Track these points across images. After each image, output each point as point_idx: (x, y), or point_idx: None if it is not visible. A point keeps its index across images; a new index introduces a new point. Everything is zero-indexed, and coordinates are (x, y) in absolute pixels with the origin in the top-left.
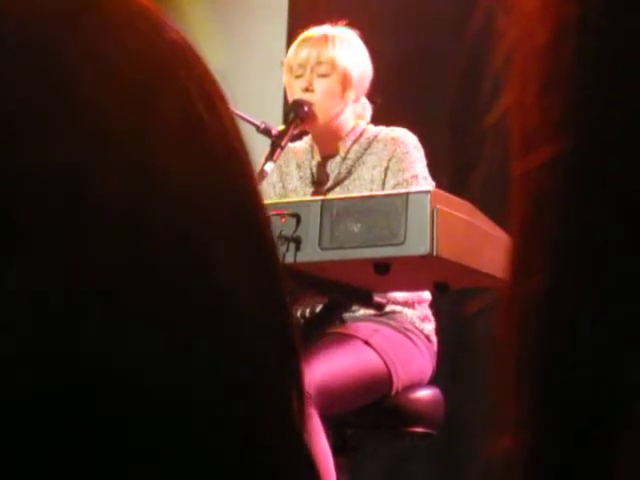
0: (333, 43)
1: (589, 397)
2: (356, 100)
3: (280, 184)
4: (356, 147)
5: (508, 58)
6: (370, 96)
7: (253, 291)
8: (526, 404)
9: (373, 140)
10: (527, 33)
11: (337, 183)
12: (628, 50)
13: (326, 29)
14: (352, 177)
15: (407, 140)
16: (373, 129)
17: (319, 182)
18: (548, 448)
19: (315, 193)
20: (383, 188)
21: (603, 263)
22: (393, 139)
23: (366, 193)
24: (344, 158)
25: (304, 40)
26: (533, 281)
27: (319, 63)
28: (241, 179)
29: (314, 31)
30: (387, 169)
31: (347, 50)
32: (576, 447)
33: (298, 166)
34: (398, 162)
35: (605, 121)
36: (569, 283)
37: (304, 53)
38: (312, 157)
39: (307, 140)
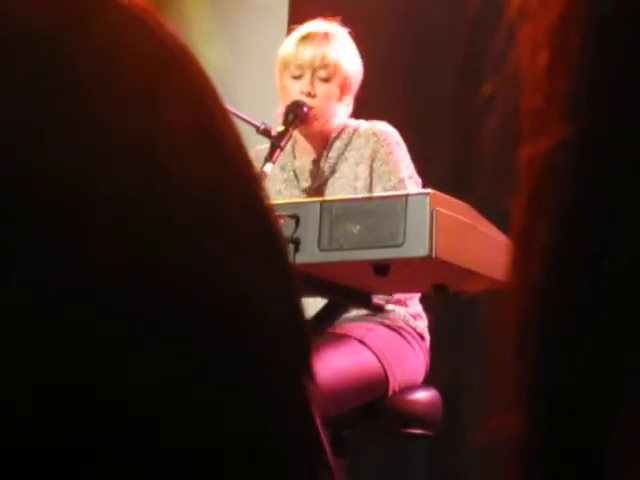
0: (335, 44)
1: (587, 381)
2: (348, 103)
3: None
4: (337, 144)
5: (519, 21)
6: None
7: (269, 294)
8: (524, 386)
9: (353, 134)
10: (539, 5)
11: (322, 182)
12: None
13: (324, 26)
14: (336, 175)
15: (390, 138)
16: (353, 123)
17: (302, 182)
18: (546, 431)
19: (299, 194)
20: (370, 186)
21: (603, 248)
22: (375, 134)
23: (365, 194)
24: (326, 157)
25: (305, 38)
26: (535, 264)
27: (324, 65)
28: (249, 183)
29: (313, 28)
30: (372, 171)
31: (347, 53)
32: (573, 430)
33: (282, 168)
34: (383, 164)
35: (618, 103)
36: (572, 267)
37: (307, 54)
38: (294, 158)
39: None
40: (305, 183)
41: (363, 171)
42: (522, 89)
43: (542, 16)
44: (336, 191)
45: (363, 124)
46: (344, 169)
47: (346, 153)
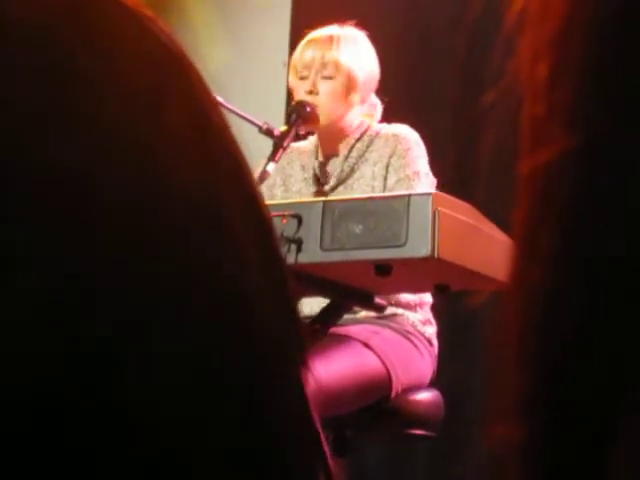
0: (338, 44)
1: (589, 386)
2: (362, 102)
3: (283, 187)
4: (358, 145)
5: (517, 32)
6: (377, 95)
7: (265, 293)
8: (526, 392)
9: (375, 137)
10: (539, 16)
11: (340, 182)
12: None
13: (332, 30)
14: (355, 175)
15: (408, 136)
16: (376, 126)
17: (322, 182)
18: (549, 437)
19: (318, 193)
20: (385, 184)
21: (604, 260)
22: (394, 135)
23: (368, 194)
24: (347, 156)
25: (310, 41)
26: (537, 271)
27: (323, 65)
28: (245, 182)
29: (320, 32)
30: (388, 165)
31: (352, 51)
32: (576, 435)
33: (302, 167)
34: (400, 159)
35: (620, 111)
36: (572, 275)
37: (309, 54)
38: (316, 157)
39: (312, 140)
40: (325, 182)
41: (380, 170)
42: (522, 97)
43: (542, 25)
44: (355, 191)
45: (385, 127)
46: (364, 169)
47: (366, 154)
